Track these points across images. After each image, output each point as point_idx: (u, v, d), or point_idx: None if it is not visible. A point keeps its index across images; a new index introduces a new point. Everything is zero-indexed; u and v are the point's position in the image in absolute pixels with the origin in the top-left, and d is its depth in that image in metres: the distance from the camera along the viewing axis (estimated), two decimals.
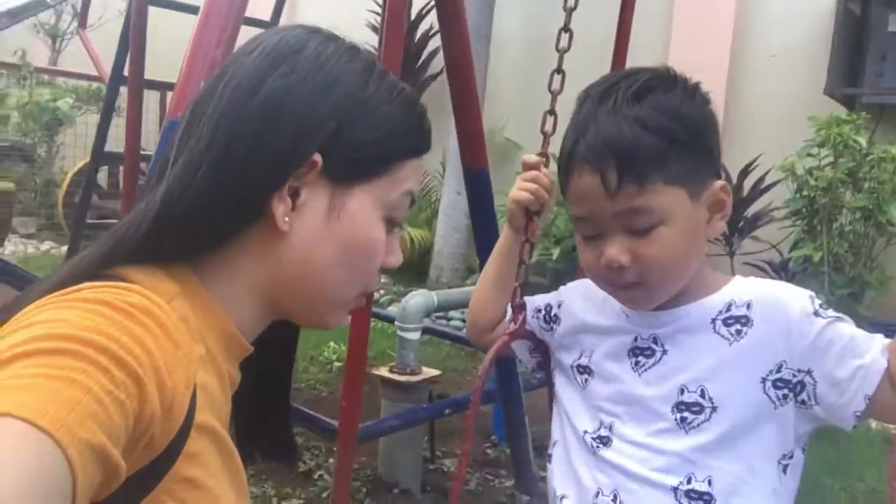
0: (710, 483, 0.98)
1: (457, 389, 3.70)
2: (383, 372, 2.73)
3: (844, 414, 0.95)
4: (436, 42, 6.39)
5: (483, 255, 2.60)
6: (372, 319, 4.25)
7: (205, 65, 1.46)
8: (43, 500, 0.45)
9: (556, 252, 4.83)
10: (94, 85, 7.14)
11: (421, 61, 6.52)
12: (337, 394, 3.66)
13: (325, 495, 2.64)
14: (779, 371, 0.98)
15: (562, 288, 1.23)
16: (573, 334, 1.15)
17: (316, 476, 2.77)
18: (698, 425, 0.99)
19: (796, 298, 1.00)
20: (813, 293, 1.02)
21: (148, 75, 3.17)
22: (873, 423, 3.71)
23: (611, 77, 1.05)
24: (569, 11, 1.29)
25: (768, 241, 4.86)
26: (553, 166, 1.14)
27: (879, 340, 0.96)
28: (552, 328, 1.18)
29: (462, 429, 3.54)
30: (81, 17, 6.01)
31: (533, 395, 3.12)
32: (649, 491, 1.00)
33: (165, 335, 0.60)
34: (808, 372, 0.97)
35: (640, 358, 1.05)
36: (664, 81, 1.01)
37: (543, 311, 1.20)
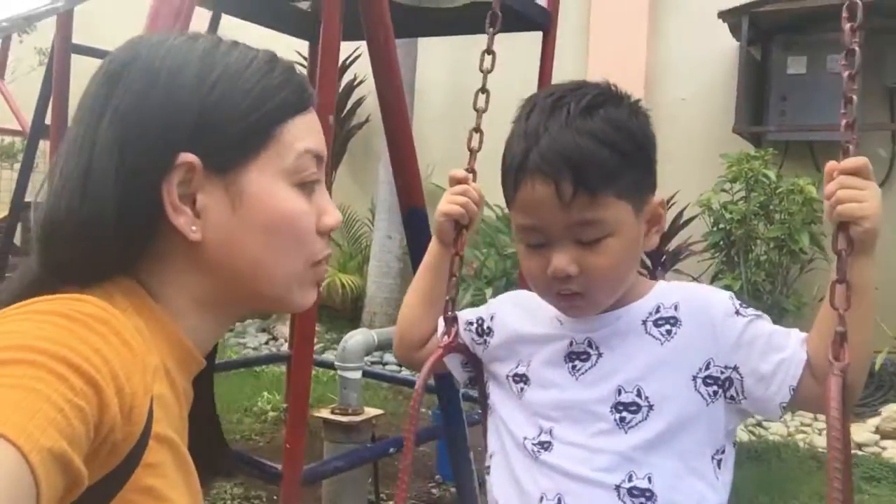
0: (650, 480, 1.00)
1: (396, 432, 3.66)
2: (325, 413, 2.69)
3: (770, 406, 1.01)
4: (360, 92, 6.47)
5: None
6: None
7: None
8: None
9: (488, 293, 4.88)
10: (7, 140, 6.92)
11: (346, 110, 6.58)
12: (274, 443, 3.57)
13: None
14: (707, 368, 1.02)
15: (491, 301, 1.25)
16: (507, 345, 1.16)
17: None
18: (636, 424, 1.02)
19: (718, 299, 1.06)
20: (732, 294, 1.07)
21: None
22: (801, 444, 3.85)
23: (556, 89, 1.06)
24: (485, 73, 1.31)
25: (689, 273, 5.04)
26: (480, 180, 1.22)
27: (797, 335, 1.02)
28: (485, 341, 1.19)
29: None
30: None
31: (477, 430, 3.12)
32: (592, 491, 1.02)
33: (122, 343, 0.60)
34: (735, 368, 1.01)
35: (577, 362, 1.07)
36: (611, 97, 1.05)
37: (475, 325, 1.20)
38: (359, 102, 6.52)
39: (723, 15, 5.03)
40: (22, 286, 0.68)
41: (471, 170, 1.24)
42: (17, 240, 4.38)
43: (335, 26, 2.08)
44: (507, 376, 1.14)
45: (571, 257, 1.00)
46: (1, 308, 0.62)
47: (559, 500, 1.03)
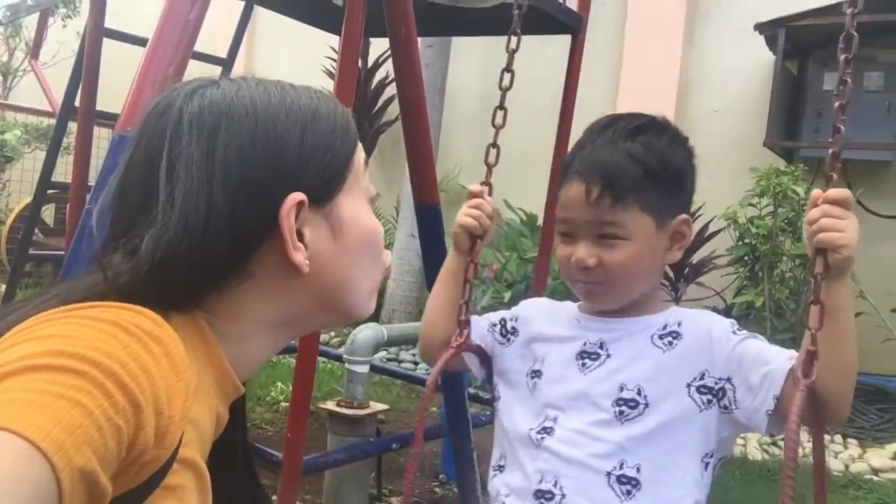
0: (638, 470, 1.12)
1: (406, 428, 3.66)
2: (330, 405, 2.70)
3: (758, 416, 1.09)
4: (391, 90, 6.49)
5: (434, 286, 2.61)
6: (322, 359, 4.23)
7: (156, 82, 1.48)
8: None
9: (507, 295, 4.87)
10: (45, 122, 7.04)
11: (377, 108, 6.60)
12: (283, 433, 3.58)
13: None
14: (702, 378, 1.14)
15: (515, 307, 1.38)
16: (527, 344, 1.29)
17: None
18: (633, 418, 1.14)
19: (718, 321, 1.19)
20: (734, 321, 1.19)
21: (100, 107, 3.14)
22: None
23: (616, 115, 1.25)
24: (511, 53, 1.43)
25: (712, 287, 4.98)
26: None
27: (786, 352, 1.11)
28: (509, 340, 1.32)
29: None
30: (34, 47, 5.95)
31: (482, 432, 3.10)
32: (586, 475, 1.14)
33: (170, 364, 0.61)
34: (728, 380, 1.13)
35: (587, 360, 1.21)
36: (657, 127, 1.21)
37: (499, 326, 1.34)
38: (389, 101, 6.53)
39: (760, 27, 4.96)
40: (88, 295, 0.68)
41: (487, 184, 1.35)
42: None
43: (358, 19, 2.08)
44: (526, 373, 1.26)
45: (591, 251, 1.16)
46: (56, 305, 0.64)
47: (556, 482, 1.15)
